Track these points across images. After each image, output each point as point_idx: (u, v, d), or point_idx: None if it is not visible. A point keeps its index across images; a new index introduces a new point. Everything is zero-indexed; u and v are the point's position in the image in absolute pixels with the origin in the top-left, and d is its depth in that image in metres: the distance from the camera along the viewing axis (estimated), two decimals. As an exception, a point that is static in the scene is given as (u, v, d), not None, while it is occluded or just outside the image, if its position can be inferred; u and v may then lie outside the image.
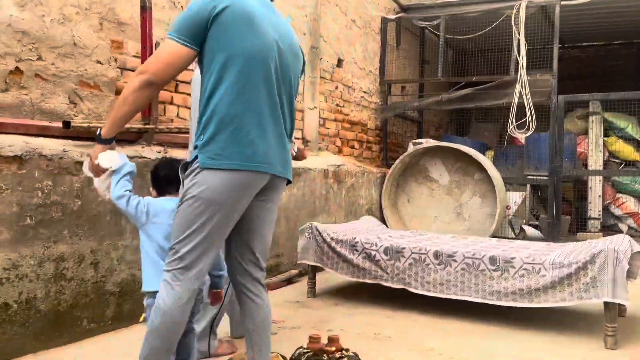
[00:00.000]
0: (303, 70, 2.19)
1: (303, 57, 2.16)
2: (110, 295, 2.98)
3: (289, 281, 4.44)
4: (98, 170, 2.00)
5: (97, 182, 2.04)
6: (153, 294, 1.96)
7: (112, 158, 2.00)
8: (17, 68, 2.75)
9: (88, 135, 2.94)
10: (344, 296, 3.98)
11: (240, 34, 1.82)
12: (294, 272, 4.52)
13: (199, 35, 1.82)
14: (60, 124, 2.80)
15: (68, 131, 2.79)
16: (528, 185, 6.67)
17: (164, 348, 1.85)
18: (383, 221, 6.06)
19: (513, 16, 6.04)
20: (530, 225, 6.66)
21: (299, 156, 2.73)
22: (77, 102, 3.06)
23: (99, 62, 3.17)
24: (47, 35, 2.88)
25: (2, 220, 2.45)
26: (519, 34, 5.98)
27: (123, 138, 3.18)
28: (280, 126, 1.96)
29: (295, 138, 5.05)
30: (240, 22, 1.82)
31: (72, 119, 2.99)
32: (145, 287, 2.07)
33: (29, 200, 2.56)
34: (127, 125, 3.12)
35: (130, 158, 3.05)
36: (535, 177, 6.50)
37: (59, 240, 2.71)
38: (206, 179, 1.81)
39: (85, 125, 2.84)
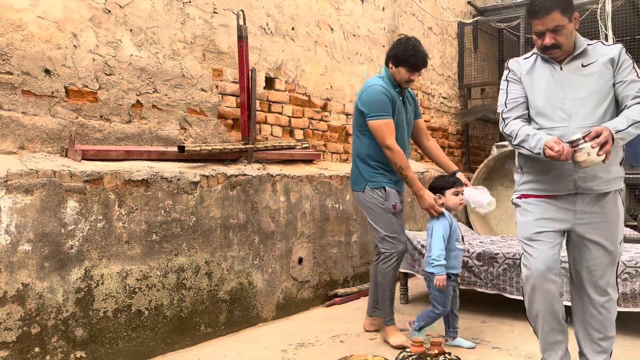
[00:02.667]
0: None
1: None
2: (222, 303, 3.26)
3: (380, 287, 4.56)
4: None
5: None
6: None
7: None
8: (137, 101, 3.10)
9: (199, 157, 3.25)
10: (437, 302, 4.04)
11: None
12: (384, 278, 4.63)
13: None
14: (175, 149, 3.13)
15: (182, 155, 3.11)
16: (624, 185, 6.36)
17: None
18: (469, 225, 6.03)
19: (599, 10, 5.84)
20: (628, 226, 6.35)
21: None
22: (186, 128, 3.39)
23: (203, 89, 3.49)
24: (160, 70, 3.22)
25: (134, 237, 2.79)
26: (606, 29, 5.77)
27: (227, 158, 3.48)
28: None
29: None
30: None
31: (183, 143, 3.32)
32: None
33: (154, 218, 2.89)
34: (230, 146, 3.42)
35: (235, 176, 3.34)
36: (631, 176, 6.20)
37: (179, 253, 3.02)
38: None
39: (197, 148, 3.15)
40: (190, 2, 3.40)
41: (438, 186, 3.06)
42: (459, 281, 3.20)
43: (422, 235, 4.06)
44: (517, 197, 2.41)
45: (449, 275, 2.94)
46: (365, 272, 4.65)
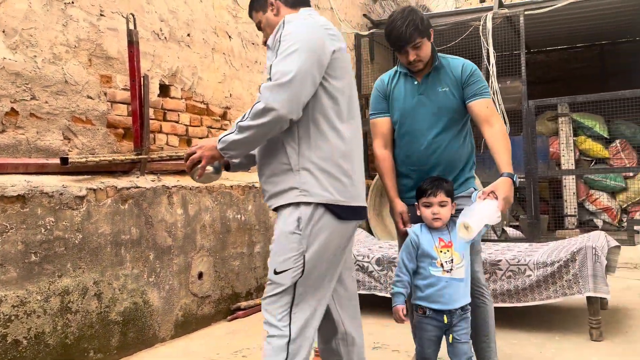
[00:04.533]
0: None
1: None
2: (114, 325, 3.04)
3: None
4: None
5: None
6: None
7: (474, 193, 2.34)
8: (12, 109, 2.82)
9: (85, 170, 3.02)
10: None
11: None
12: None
13: None
14: (57, 160, 2.88)
15: (66, 167, 2.87)
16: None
17: None
18: (369, 231, 6.21)
19: (480, 27, 6.31)
20: (511, 226, 6.89)
21: None
22: (70, 138, 3.14)
23: (89, 97, 3.26)
24: (39, 75, 2.96)
25: (9, 259, 2.51)
26: (487, 44, 6.24)
27: (117, 169, 3.27)
28: None
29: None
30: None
31: (67, 154, 3.07)
32: None
33: (33, 237, 2.63)
34: (121, 157, 3.23)
35: (127, 189, 3.15)
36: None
37: (63, 275, 2.77)
38: None
39: (83, 160, 2.92)
40: (73, 3, 3.16)
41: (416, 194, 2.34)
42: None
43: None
44: None
45: (424, 311, 2.24)
46: (269, 282, 4.60)
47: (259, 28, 2.09)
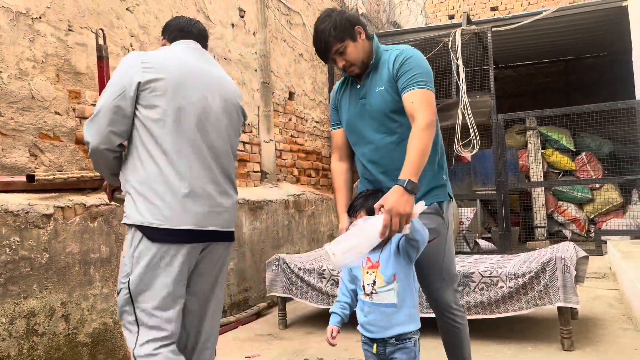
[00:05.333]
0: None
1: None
2: (83, 347, 2.95)
3: (259, 314, 4.48)
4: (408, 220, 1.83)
5: (405, 229, 1.84)
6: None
7: (417, 204, 1.86)
8: (-24, 125, 2.74)
9: (53, 187, 2.94)
10: (316, 324, 4.06)
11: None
12: (262, 305, 4.56)
13: None
14: (23, 178, 2.80)
15: (32, 185, 2.79)
16: (478, 200, 7.02)
17: None
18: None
19: (450, 43, 6.45)
20: (483, 238, 6.99)
21: None
22: (37, 155, 3.06)
23: (57, 113, 3.19)
24: (4, 91, 2.89)
25: (-29, 281, 2.42)
26: (457, 59, 6.37)
27: (86, 187, 3.20)
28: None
29: (253, 171, 5.16)
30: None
31: (34, 171, 2.99)
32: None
33: (-3, 258, 2.54)
34: (90, 174, 3.16)
35: (96, 207, 3.09)
36: (483, 192, 6.86)
37: (29, 296, 2.68)
38: None
39: (50, 177, 2.85)
40: (40, 18, 3.11)
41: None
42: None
43: (300, 258, 4.07)
44: None
45: (362, 337, 2.05)
46: (243, 299, 4.54)
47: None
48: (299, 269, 3.92)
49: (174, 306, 1.91)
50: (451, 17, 10.88)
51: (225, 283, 2.19)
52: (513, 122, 8.00)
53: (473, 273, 3.46)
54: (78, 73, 3.34)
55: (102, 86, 3.34)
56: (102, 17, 3.53)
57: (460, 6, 10.81)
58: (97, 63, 3.35)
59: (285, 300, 4.02)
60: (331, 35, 2.13)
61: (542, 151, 7.69)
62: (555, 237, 7.55)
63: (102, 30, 3.38)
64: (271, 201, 5.03)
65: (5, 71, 2.90)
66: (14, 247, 2.63)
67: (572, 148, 7.73)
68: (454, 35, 6.45)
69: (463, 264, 3.83)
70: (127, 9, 3.76)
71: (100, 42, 3.35)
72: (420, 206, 1.85)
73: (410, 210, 1.82)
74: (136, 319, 1.89)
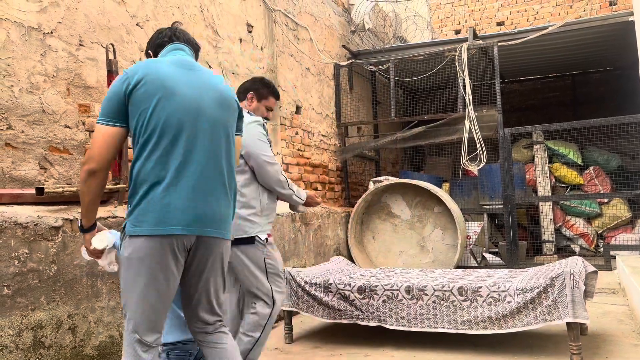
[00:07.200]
0: (241, 116, 2.34)
1: (238, 106, 2.29)
2: (89, 360, 2.95)
3: (265, 328, 4.45)
4: (97, 253, 2.16)
5: (100, 262, 2.19)
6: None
7: (103, 238, 2.13)
8: (-13, 138, 2.78)
9: (62, 200, 2.96)
10: (322, 338, 4.04)
11: (157, 103, 1.99)
12: (268, 318, 4.53)
13: (122, 113, 1.99)
14: (33, 191, 2.83)
15: (41, 197, 2.82)
16: (485, 215, 6.99)
17: None
18: (351, 259, 6.19)
19: (456, 58, 6.47)
20: (490, 252, 6.94)
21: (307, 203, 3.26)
22: (47, 167, 3.09)
23: (67, 126, 3.23)
24: (16, 105, 2.93)
25: (-21, 293, 2.43)
26: (463, 74, 6.40)
27: (95, 199, 3.22)
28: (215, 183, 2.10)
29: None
30: (155, 91, 1.98)
31: (43, 184, 3.02)
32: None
33: (5, 270, 2.55)
34: (99, 187, 3.18)
35: (104, 219, 3.11)
36: (490, 206, 6.83)
37: (36, 308, 2.69)
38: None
39: (59, 190, 2.88)
40: (52, 33, 3.16)
41: None
42: None
43: (306, 272, 4.06)
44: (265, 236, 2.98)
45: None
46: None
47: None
48: (306, 282, 3.90)
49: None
50: (457, 32, 10.94)
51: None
52: (520, 136, 8.00)
53: (480, 287, 3.43)
54: (88, 87, 3.38)
55: (111, 100, 3.38)
56: (113, 32, 3.58)
57: (466, 21, 10.88)
58: (107, 77, 3.39)
59: (291, 314, 4.00)
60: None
61: (550, 165, 7.66)
62: (563, 251, 7.49)
63: (112, 45, 3.43)
64: (278, 214, 5.03)
65: (17, 85, 2.94)
66: (22, 259, 2.64)
67: (579, 162, 7.69)
68: (461, 50, 6.48)
69: (470, 278, 3.80)
70: (137, 24, 3.82)
71: (111, 56, 3.40)
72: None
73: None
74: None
